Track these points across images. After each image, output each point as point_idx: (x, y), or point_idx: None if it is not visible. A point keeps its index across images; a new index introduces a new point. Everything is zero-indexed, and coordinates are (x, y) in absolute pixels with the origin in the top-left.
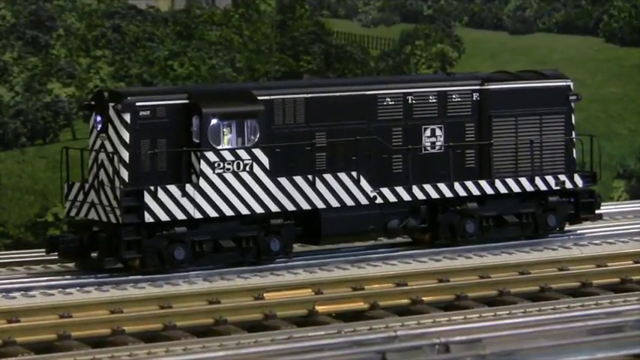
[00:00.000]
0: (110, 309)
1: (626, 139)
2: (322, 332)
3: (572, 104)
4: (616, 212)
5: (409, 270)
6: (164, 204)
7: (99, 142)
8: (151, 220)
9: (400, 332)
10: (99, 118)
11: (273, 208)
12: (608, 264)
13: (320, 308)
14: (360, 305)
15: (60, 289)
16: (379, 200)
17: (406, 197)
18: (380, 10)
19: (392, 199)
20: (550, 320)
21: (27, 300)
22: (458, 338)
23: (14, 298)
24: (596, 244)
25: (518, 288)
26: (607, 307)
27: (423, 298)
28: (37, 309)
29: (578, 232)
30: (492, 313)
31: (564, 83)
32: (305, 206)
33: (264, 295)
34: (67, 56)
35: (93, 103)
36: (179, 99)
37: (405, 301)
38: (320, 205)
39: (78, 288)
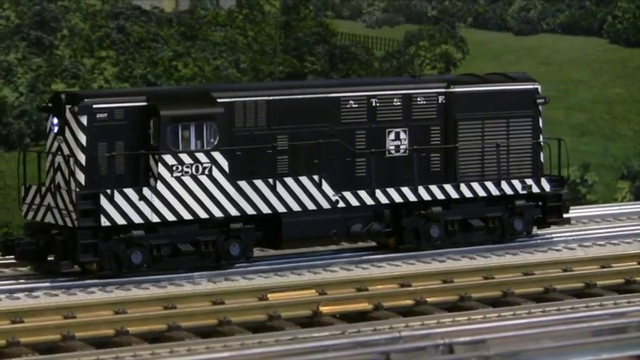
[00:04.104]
0: (114, 309)
1: (630, 140)
2: (326, 333)
3: (540, 107)
4: (620, 213)
5: (413, 271)
6: (121, 207)
7: (56, 144)
8: (108, 223)
9: (404, 333)
10: (56, 121)
11: (233, 212)
12: (613, 265)
13: (324, 309)
14: (364, 306)
15: (64, 290)
16: (341, 204)
17: (369, 201)
18: (384, 11)
19: (355, 203)
20: (554, 321)
21: (31, 300)
22: (462, 339)
23: (18, 298)
24: (600, 245)
25: (523, 289)
26: (611, 308)
27: (427, 299)
28: (41, 309)
29: (582, 234)
30: (496, 314)
31: (532, 86)
32: (265, 210)
33: (268, 295)
34: (71, 57)
35: (50, 105)
36: (137, 101)
37: (409, 301)
38: (281, 209)
39: (82, 288)
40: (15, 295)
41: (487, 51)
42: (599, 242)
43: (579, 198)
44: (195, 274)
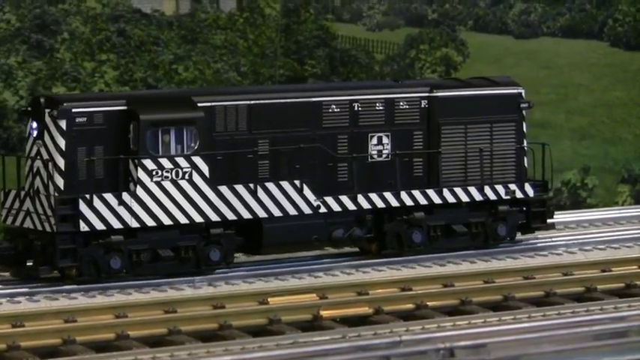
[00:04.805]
0: (115, 313)
1: (630, 144)
2: (327, 337)
3: (524, 112)
4: (620, 217)
5: (414, 275)
6: (100, 212)
7: (35, 149)
8: (87, 229)
9: (405, 337)
10: (35, 125)
11: (213, 217)
12: (613, 269)
13: (324, 313)
14: (365, 310)
15: (64, 294)
16: (323, 209)
17: (351, 206)
18: (384, 14)
19: (336, 208)
20: (555, 325)
21: (31, 304)
22: (462, 343)
23: (19, 302)
24: (600, 249)
25: (523, 293)
26: (611, 313)
27: (428, 303)
28: (42, 313)
29: (582, 238)
30: (497, 318)
31: (515, 91)
32: (246, 215)
33: (269, 299)
34: (71, 60)
35: (29, 109)
36: (117, 105)
37: (410, 305)
38: (262, 214)
39: (82, 292)
40: (16, 298)
41: (487, 54)
42: (600, 246)
43: (580, 202)
44: (196, 277)
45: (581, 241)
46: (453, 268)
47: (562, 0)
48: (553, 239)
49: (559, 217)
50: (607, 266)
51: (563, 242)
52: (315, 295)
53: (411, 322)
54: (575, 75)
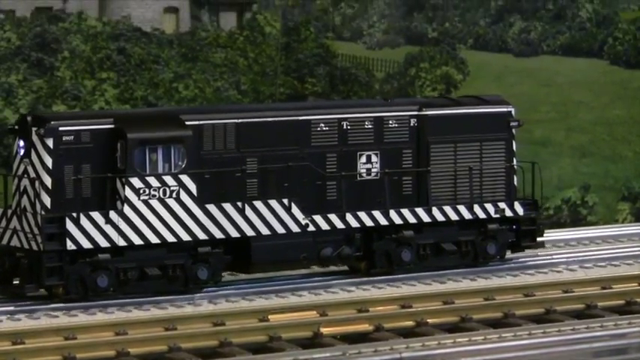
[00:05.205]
0: (115, 331)
1: (631, 162)
2: (327, 354)
3: (514, 130)
4: (621, 234)
5: (414, 292)
6: (87, 231)
7: (22, 167)
8: (73, 247)
9: (405, 354)
10: (22, 143)
11: (201, 235)
12: (613, 286)
13: (325, 330)
14: (365, 327)
15: (65, 311)
16: (312, 228)
17: (340, 225)
18: (385, 33)
19: (325, 226)
20: (555, 342)
21: (31, 322)
22: None
23: (19, 320)
24: (601, 266)
25: (523, 310)
26: (612, 330)
27: (428, 320)
28: (42, 331)
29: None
30: (497, 335)
31: (505, 109)
32: (234, 234)
33: (269, 317)
34: (72, 78)
35: (17, 127)
36: (104, 124)
37: (410, 323)
38: (250, 232)
39: (82, 310)
40: (16, 316)
41: (488, 72)
42: (600, 263)
43: (580, 219)
44: (196, 295)
45: (581, 258)
46: (453, 286)
47: (562, 18)
48: (553, 257)
49: (560, 234)
50: (607, 283)
51: (564, 260)
52: (315, 312)
53: (411, 340)
54: (576, 93)
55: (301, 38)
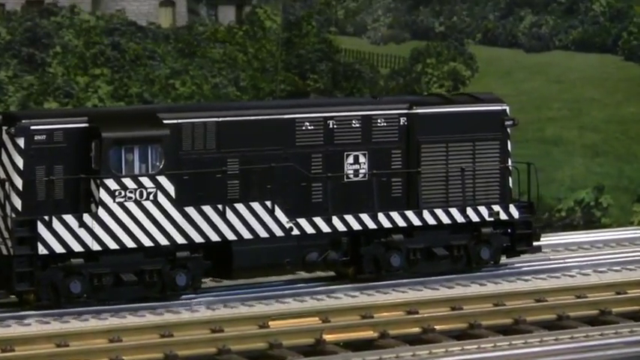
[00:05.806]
0: (109, 337)
1: None
2: None
3: (508, 130)
4: (636, 237)
5: (420, 297)
6: (59, 235)
7: None
8: (45, 251)
9: None
10: None
11: (180, 239)
12: (628, 291)
13: (327, 337)
14: (370, 334)
15: (56, 317)
16: (296, 232)
17: (326, 229)
18: (390, 27)
19: (310, 230)
20: (568, 350)
21: (22, 328)
22: None
23: (9, 326)
24: (615, 270)
25: (535, 316)
26: (627, 336)
27: (435, 327)
28: (33, 337)
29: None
30: (507, 343)
31: (499, 107)
32: (214, 238)
33: (269, 323)
34: (64, 74)
35: None
36: (78, 122)
37: (417, 329)
38: (231, 236)
39: (75, 316)
40: (5, 322)
41: (497, 68)
42: (615, 268)
43: (593, 221)
44: (194, 300)
45: (595, 262)
46: (461, 291)
47: (575, 12)
48: (566, 260)
49: (573, 237)
50: (622, 288)
51: (577, 263)
52: (317, 318)
53: (417, 347)
54: (588, 90)
55: (303, 33)
